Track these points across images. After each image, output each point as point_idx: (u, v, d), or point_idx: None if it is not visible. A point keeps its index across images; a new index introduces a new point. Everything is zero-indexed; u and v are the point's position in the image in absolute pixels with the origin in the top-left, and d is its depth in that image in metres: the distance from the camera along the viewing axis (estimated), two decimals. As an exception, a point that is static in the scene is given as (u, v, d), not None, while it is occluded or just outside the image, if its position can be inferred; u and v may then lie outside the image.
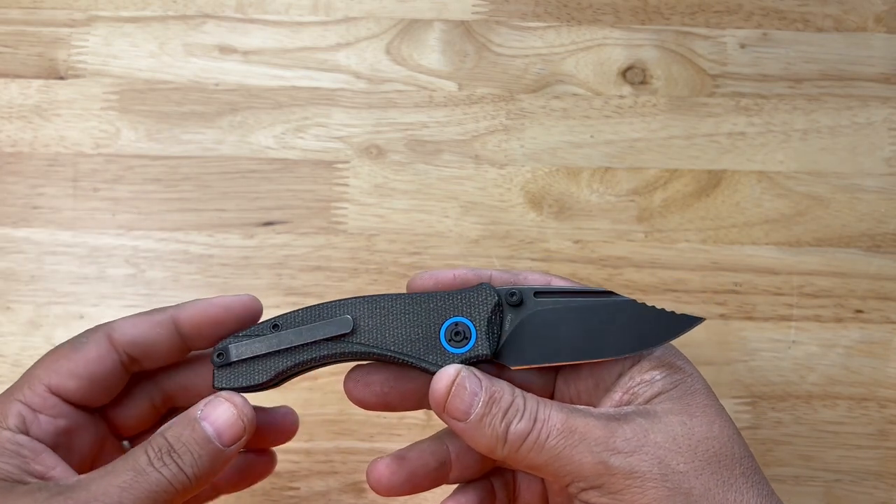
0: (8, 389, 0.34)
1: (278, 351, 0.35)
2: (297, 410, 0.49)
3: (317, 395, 0.49)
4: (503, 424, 0.32)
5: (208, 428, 0.33)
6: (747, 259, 0.50)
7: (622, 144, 0.52)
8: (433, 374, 0.33)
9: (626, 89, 0.53)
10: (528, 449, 0.31)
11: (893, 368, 0.49)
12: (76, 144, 0.51)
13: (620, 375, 0.34)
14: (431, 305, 0.35)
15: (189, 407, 0.34)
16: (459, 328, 0.34)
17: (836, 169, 0.51)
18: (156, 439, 0.32)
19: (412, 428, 0.48)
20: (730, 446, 0.32)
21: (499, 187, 0.51)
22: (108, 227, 0.50)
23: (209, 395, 0.34)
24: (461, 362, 0.34)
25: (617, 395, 0.34)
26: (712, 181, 0.51)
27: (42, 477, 0.32)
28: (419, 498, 0.48)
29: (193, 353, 0.38)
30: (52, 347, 0.46)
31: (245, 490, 0.45)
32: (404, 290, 0.37)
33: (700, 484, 0.31)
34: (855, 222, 0.51)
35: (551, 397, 0.36)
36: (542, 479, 0.38)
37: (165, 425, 0.33)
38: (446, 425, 0.37)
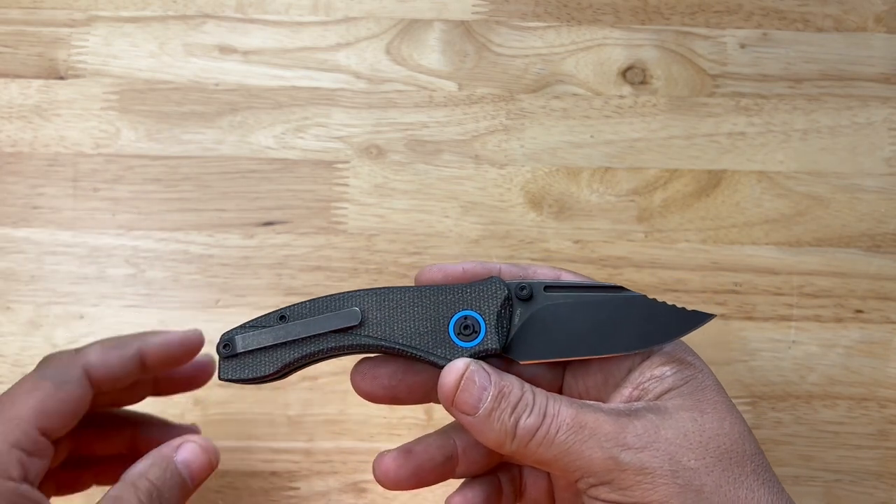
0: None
1: (285, 342, 0.34)
2: (297, 410, 0.49)
3: (317, 394, 0.49)
4: (512, 419, 0.32)
5: (184, 471, 0.36)
6: (747, 259, 0.50)
7: (622, 144, 0.52)
8: (441, 367, 0.33)
9: (626, 89, 0.53)
10: (537, 444, 0.31)
11: (893, 368, 0.49)
12: (76, 144, 0.51)
13: (630, 371, 0.34)
14: (440, 298, 0.34)
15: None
16: (468, 322, 0.34)
17: (836, 169, 0.51)
18: (140, 482, 0.35)
19: (412, 428, 0.48)
20: (741, 443, 0.32)
21: (499, 187, 0.51)
22: (108, 227, 0.50)
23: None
24: (470, 356, 0.33)
25: (627, 391, 0.34)
26: (712, 181, 0.51)
27: None
28: (419, 498, 0.48)
29: None
30: (51, 348, 0.46)
31: (245, 490, 0.45)
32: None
33: (711, 480, 0.31)
34: (855, 222, 0.51)
35: (560, 393, 0.36)
36: (549, 475, 0.38)
37: (142, 465, 0.36)
38: (449, 422, 0.37)
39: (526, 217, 0.51)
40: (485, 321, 0.34)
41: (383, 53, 0.53)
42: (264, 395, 0.49)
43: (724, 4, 0.53)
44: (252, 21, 0.53)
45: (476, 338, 0.34)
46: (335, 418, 0.48)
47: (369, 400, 0.36)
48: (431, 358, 0.34)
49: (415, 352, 0.34)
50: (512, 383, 0.32)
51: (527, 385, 0.33)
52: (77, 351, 0.39)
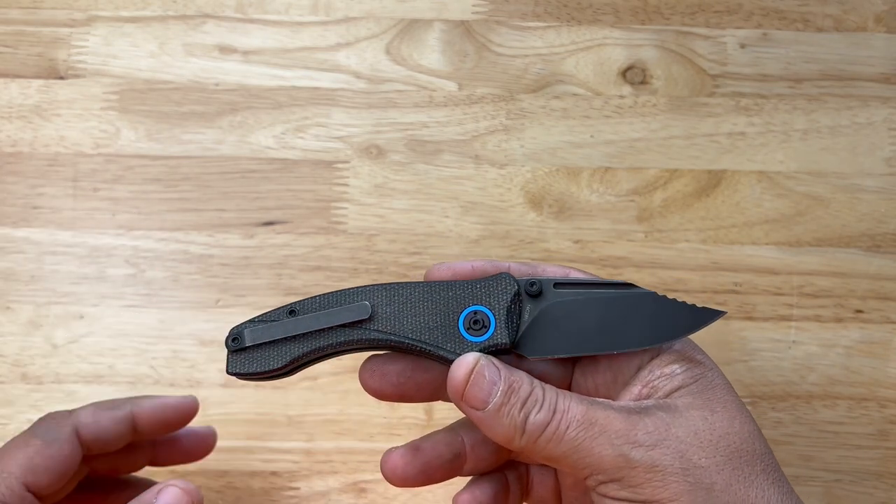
0: None
1: (294, 336, 0.34)
2: (298, 410, 0.49)
3: (317, 395, 0.49)
4: (522, 414, 0.31)
5: None
6: (747, 259, 0.50)
7: (622, 144, 0.52)
8: (451, 362, 0.33)
9: (626, 89, 0.53)
10: (546, 440, 0.31)
11: (893, 368, 0.49)
12: (76, 144, 0.51)
13: (640, 369, 0.34)
14: (450, 294, 0.34)
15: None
16: (478, 317, 0.34)
17: (836, 169, 0.51)
18: None
19: (412, 428, 0.48)
20: (750, 442, 0.32)
21: (499, 187, 0.51)
22: (108, 227, 0.50)
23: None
24: (480, 350, 0.33)
25: (636, 389, 0.33)
26: (712, 181, 0.51)
27: None
28: (419, 498, 0.48)
29: None
30: (51, 348, 0.46)
31: (245, 490, 0.45)
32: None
33: (721, 479, 0.31)
34: (855, 222, 0.51)
35: (568, 390, 0.36)
36: (556, 474, 0.38)
37: None
38: (450, 422, 0.37)
39: (526, 217, 0.51)
40: (494, 316, 0.34)
41: (383, 53, 0.53)
42: (264, 395, 0.49)
43: (724, 4, 0.53)
44: (252, 21, 0.53)
45: (486, 332, 0.34)
46: (335, 418, 0.48)
47: (378, 397, 0.36)
48: (441, 352, 0.34)
49: (424, 346, 0.34)
50: (522, 378, 0.32)
51: (536, 381, 0.32)
52: (71, 412, 0.39)
